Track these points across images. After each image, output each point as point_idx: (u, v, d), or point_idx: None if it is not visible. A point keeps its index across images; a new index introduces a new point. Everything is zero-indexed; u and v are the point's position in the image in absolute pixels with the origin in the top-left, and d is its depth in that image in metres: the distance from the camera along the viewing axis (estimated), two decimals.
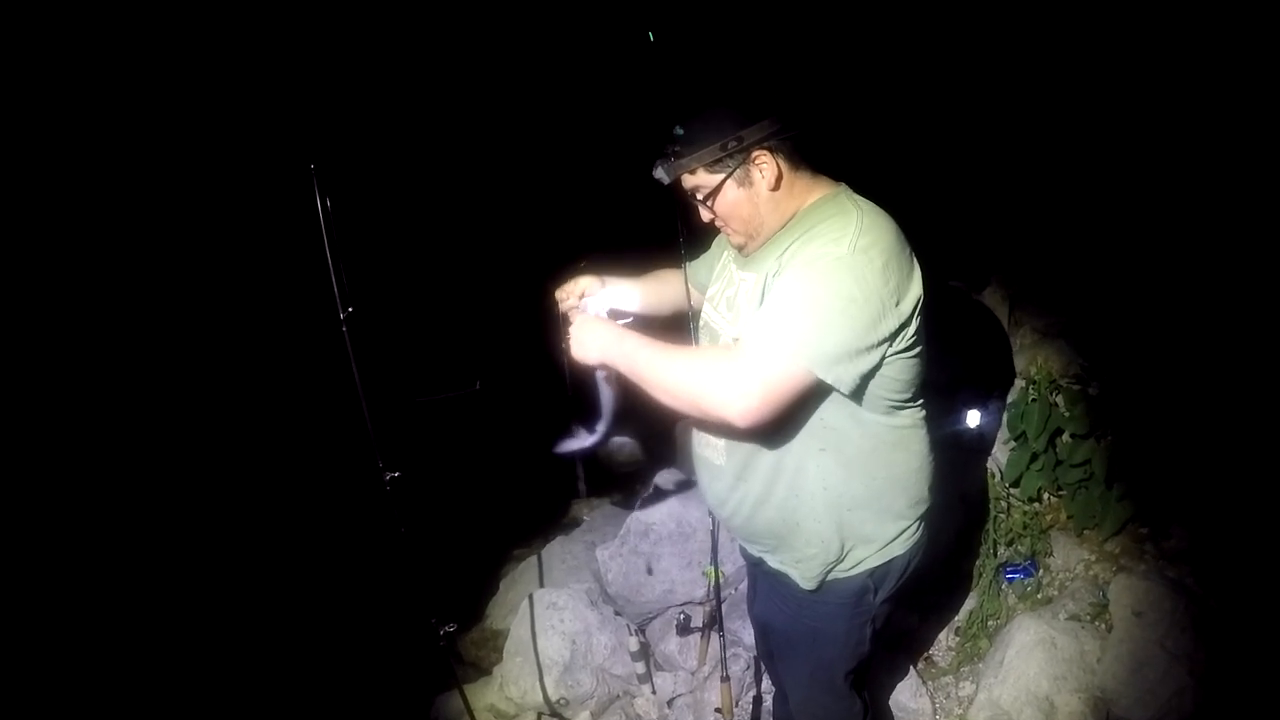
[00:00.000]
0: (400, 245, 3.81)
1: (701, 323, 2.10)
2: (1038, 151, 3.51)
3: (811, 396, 1.74)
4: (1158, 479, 3.07)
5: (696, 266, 2.22)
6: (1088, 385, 3.23)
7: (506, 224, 4.26)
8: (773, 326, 1.67)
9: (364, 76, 3.67)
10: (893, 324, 1.69)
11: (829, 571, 1.96)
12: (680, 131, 1.80)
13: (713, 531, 2.69)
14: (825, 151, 1.89)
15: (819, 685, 2.24)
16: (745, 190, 1.81)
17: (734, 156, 1.78)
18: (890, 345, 1.72)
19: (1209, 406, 2.99)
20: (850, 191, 1.87)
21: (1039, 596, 3.14)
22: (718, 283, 2.07)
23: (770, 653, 2.56)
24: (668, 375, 1.75)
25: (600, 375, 1.99)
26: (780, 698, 2.80)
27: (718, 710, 2.78)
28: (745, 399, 1.62)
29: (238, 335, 3.66)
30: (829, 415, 1.81)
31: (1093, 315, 3.43)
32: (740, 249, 1.95)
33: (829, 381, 1.67)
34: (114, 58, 3.24)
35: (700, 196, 1.85)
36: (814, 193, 1.86)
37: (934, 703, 3.03)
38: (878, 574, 1.98)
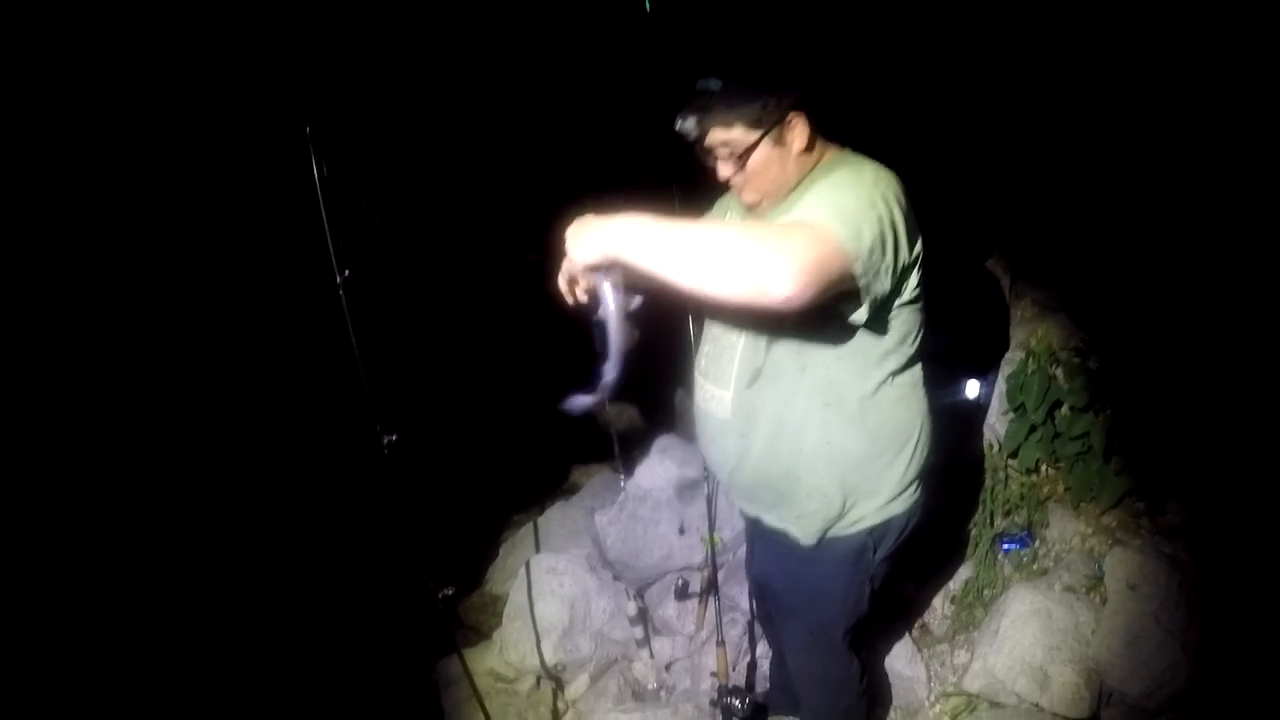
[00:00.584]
0: (399, 209, 3.79)
1: None
2: (1042, 123, 3.48)
3: (828, 327, 1.77)
4: (1155, 454, 3.07)
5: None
6: (1087, 359, 3.22)
7: (504, 191, 4.22)
8: (816, 210, 1.60)
9: (359, 38, 3.62)
10: (906, 255, 1.71)
11: (829, 528, 1.98)
12: (715, 86, 1.75)
13: (710, 497, 2.69)
14: (835, 120, 1.88)
15: (818, 645, 2.27)
16: (778, 150, 1.79)
17: (772, 115, 1.75)
18: (903, 280, 1.75)
19: (1208, 383, 2.99)
20: (852, 151, 1.90)
21: (1035, 567, 3.15)
22: None
23: (768, 615, 2.59)
24: (700, 247, 1.53)
25: (607, 303, 1.60)
26: (777, 661, 2.82)
27: (713, 674, 2.80)
28: (796, 272, 1.45)
29: (232, 299, 3.64)
30: (835, 370, 1.84)
31: (1094, 289, 3.42)
32: (752, 207, 1.92)
33: (860, 281, 1.61)
34: (103, 25, 3.21)
35: (730, 152, 1.80)
36: (826, 154, 1.87)
37: (929, 670, 3.05)
38: (877, 532, 2.01)
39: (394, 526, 2.08)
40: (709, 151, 1.83)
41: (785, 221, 1.63)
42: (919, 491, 2.05)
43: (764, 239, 1.54)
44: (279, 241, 3.29)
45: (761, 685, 3.06)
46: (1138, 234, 3.23)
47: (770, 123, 1.75)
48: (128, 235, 3.52)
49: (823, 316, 1.69)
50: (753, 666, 3.07)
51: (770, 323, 1.79)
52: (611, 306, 1.59)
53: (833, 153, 1.88)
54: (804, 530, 1.99)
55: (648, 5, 2.04)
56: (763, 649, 3.10)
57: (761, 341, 1.87)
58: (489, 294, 4.29)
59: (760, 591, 2.46)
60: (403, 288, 3.72)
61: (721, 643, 2.74)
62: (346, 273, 1.89)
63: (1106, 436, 3.09)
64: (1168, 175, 3.14)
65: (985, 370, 3.47)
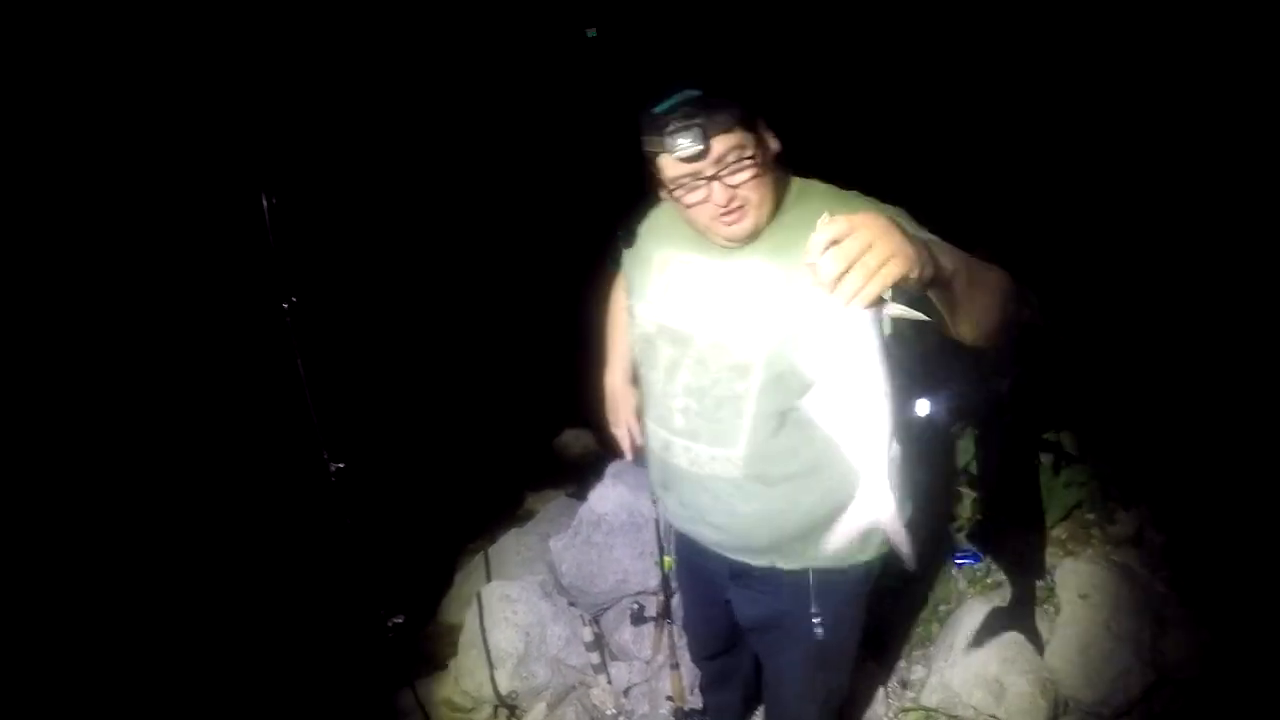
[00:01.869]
0: (349, 235, 3.74)
1: (651, 330, 1.88)
2: (988, 140, 3.54)
3: None
4: (1104, 467, 3.13)
5: (629, 271, 2.01)
6: (1036, 375, 3.28)
7: (455, 217, 4.20)
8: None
9: (305, 72, 3.59)
10: None
11: (855, 549, 1.86)
12: (694, 94, 1.57)
13: (658, 521, 2.56)
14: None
15: (831, 667, 2.22)
16: (770, 152, 1.66)
17: (753, 116, 1.61)
18: None
19: (1153, 397, 3.06)
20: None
21: (988, 581, 3.18)
22: (663, 283, 1.88)
23: (722, 650, 2.51)
24: (995, 278, 1.40)
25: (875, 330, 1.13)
26: (718, 688, 2.78)
27: (669, 698, 2.78)
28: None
29: (176, 325, 3.56)
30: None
31: (1042, 306, 3.47)
32: (743, 239, 1.72)
33: None
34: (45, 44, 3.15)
35: (743, 157, 1.59)
36: (788, 179, 1.76)
37: (886, 686, 3.07)
38: (885, 550, 1.91)
39: (342, 556, 2.04)
40: (707, 175, 1.60)
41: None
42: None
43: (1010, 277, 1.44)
44: (224, 267, 3.24)
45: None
46: (1085, 251, 3.29)
47: (755, 123, 1.62)
48: (66, 263, 3.44)
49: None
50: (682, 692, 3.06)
51: (794, 359, 1.63)
52: (879, 330, 1.14)
53: (790, 177, 1.76)
54: (838, 562, 1.87)
55: (591, 33, 1.92)
56: (690, 672, 3.07)
57: (788, 382, 1.68)
58: (443, 320, 4.26)
59: (724, 635, 2.36)
60: (352, 314, 3.67)
61: (676, 665, 2.71)
62: (294, 299, 1.85)
63: (1055, 451, 3.14)
64: (1110, 198, 3.21)
65: (936, 387, 3.51)
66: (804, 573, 1.92)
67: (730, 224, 1.67)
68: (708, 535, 1.99)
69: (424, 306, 4.22)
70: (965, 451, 3.35)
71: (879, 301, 1.09)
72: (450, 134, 3.77)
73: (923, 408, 3.36)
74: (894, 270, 1.07)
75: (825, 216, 1.10)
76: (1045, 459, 3.16)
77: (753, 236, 1.71)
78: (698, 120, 1.53)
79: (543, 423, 2.33)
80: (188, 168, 3.24)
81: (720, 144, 1.56)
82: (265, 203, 1.80)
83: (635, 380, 2.12)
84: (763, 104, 1.64)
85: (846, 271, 1.06)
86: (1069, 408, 3.17)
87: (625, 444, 2.25)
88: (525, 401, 2.62)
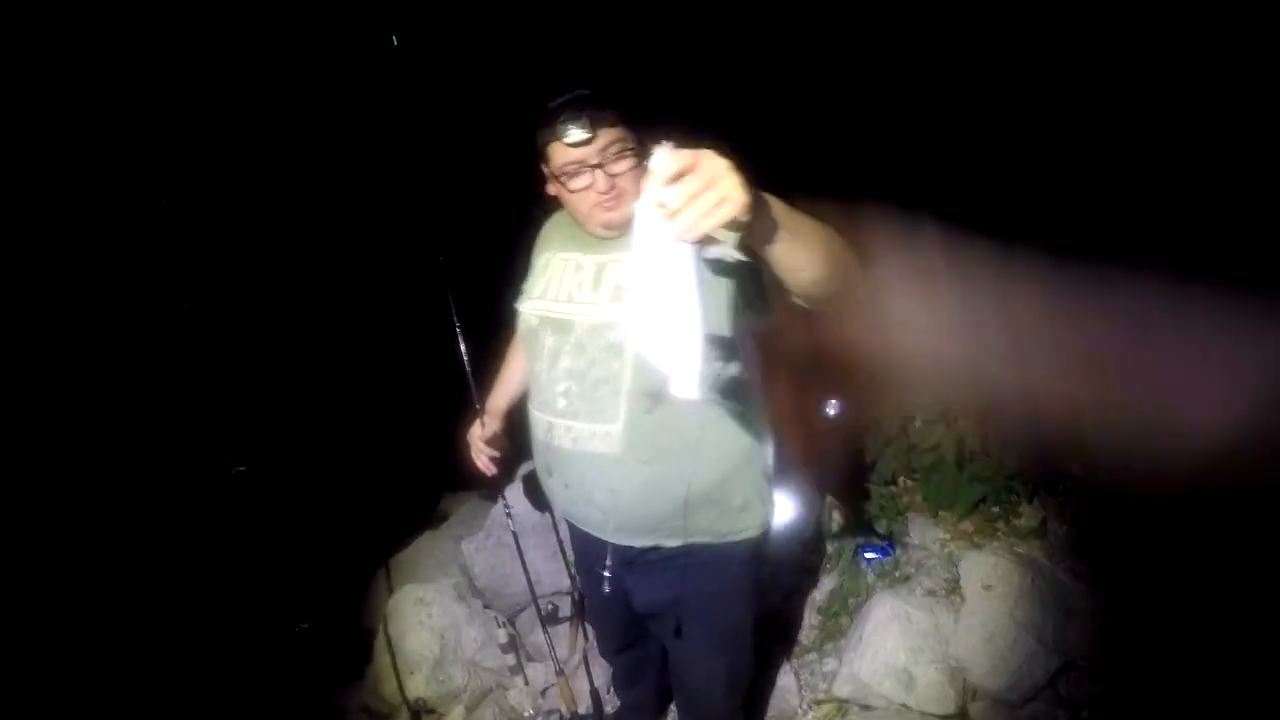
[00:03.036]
0: (248, 239, 3.64)
1: (535, 322, 2.01)
2: (884, 136, 3.60)
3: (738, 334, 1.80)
4: (1006, 461, 3.22)
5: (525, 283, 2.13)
6: (938, 373, 3.36)
7: (362, 215, 4.12)
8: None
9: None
10: None
11: (738, 526, 2.02)
12: (585, 92, 1.78)
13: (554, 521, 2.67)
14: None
15: (729, 649, 2.30)
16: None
17: (636, 115, 1.78)
18: None
19: (1053, 392, 3.14)
20: None
21: (897, 574, 3.25)
22: (546, 278, 2.02)
23: (627, 644, 2.58)
24: (821, 231, 1.44)
25: (699, 257, 1.24)
26: (627, 683, 2.86)
27: (555, 710, 2.84)
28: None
29: (73, 326, 3.41)
30: (737, 374, 1.87)
31: (947, 304, 3.55)
32: (617, 226, 1.84)
33: None
34: None
35: (625, 148, 1.77)
36: None
37: (799, 679, 3.11)
38: (765, 529, 2.09)
39: (244, 561, 1.99)
40: (591, 163, 1.77)
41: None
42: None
43: (846, 239, 1.52)
44: (122, 270, 3.13)
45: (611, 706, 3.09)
46: (991, 252, 3.36)
47: (638, 124, 1.78)
48: None
49: (739, 327, 1.78)
50: (595, 693, 3.08)
51: None
52: (700, 262, 1.24)
53: None
54: (717, 537, 2.01)
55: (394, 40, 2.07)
56: (601, 676, 3.12)
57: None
58: (352, 319, 4.18)
59: (628, 625, 2.41)
60: (256, 315, 3.57)
61: (560, 672, 2.79)
62: (188, 305, 1.80)
63: (958, 447, 3.23)
64: (1035, 198, 3.29)
65: (840, 385, 3.57)
66: (687, 552, 2.02)
67: (608, 210, 1.82)
68: (592, 516, 2.05)
69: (332, 306, 4.13)
70: (872, 448, 3.43)
71: (706, 238, 1.17)
72: (350, 129, 3.69)
73: (830, 405, 3.45)
74: (727, 210, 1.12)
75: (668, 147, 1.15)
76: (950, 455, 3.24)
77: (627, 226, 1.73)
78: (586, 112, 1.73)
79: (455, 424, 2.31)
80: (85, 172, 3.12)
81: (605, 135, 1.75)
82: (162, 205, 1.76)
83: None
84: (648, 106, 1.80)
85: (685, 206, 1.12)
86: (970, 404, 3.24)
87: (483, 465, 2.34)
88: (437, 402, 2.59)
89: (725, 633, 2.25)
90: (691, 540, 2.01)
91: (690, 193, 1.11)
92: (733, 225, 1.17)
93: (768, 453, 2.06)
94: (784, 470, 2.14)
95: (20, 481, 3.19)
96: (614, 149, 1.77)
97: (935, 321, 3.15)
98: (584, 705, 2.98)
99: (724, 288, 1.72)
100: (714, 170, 1.13)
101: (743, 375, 1.89)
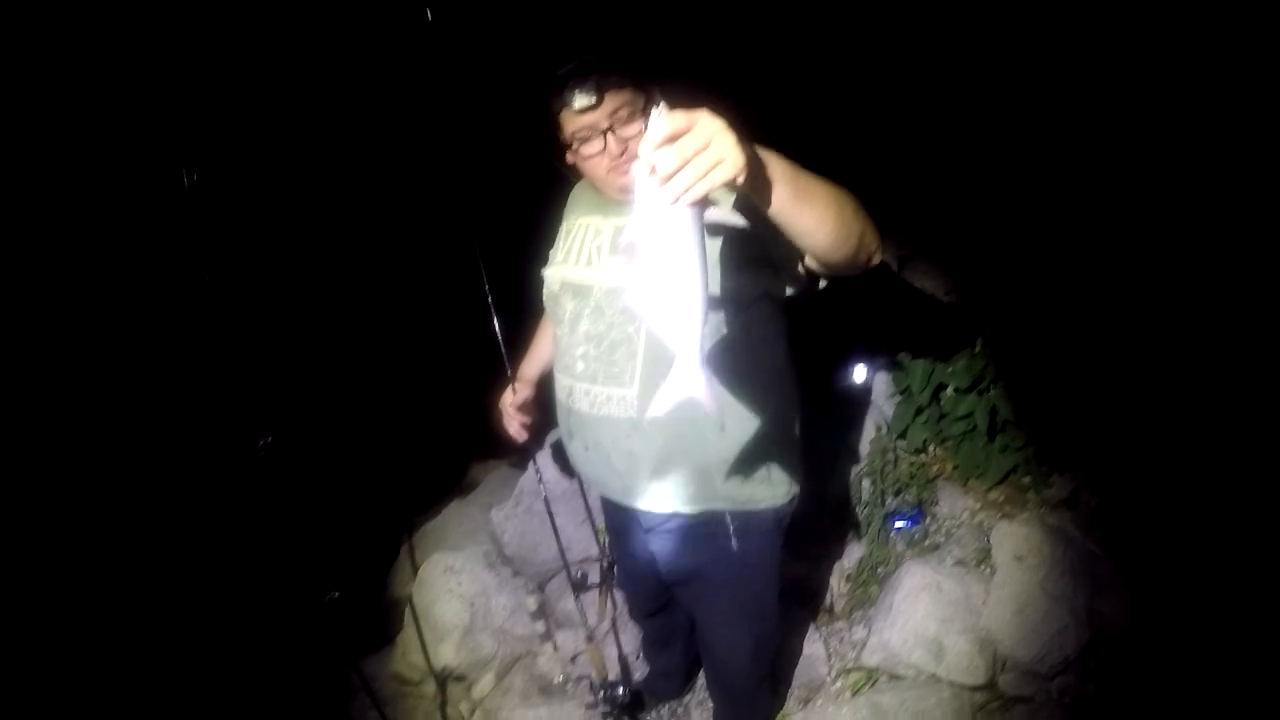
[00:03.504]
0: (277, 209, 3.63)
1: (556, 288, 2.01)
2: (934, 110, 3.54)
3: (757, 303, 1.81)
4: (1038, 431, 3.19)
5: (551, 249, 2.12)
6: (971, 342, 3.33)
7: (390, 183, 4.09)
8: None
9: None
10: None
11: (760, 495, 2.00)
12: (593, 58, 1.75)
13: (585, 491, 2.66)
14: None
15: (752, 618, 2.30)
16: None
17: (647, 78, 1.77)
18: None
19: (1087, 362, 3.11)
20: None
21: (926, 544, 3.23)
22: (568, 244, 2.02)
23: (659, 608, 2.62)
24: (833, 194, 1.41)
25: (698, 220, 1.21)
26: (658, 650, 2.93)
27: (586, 676, 2.86)
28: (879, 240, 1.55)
29: (98, 297, 3.41)
30: (755, 343, 1.86)
31: (977, 278, 3.52)
32: (625, 188, 1.74)
33: None
34: None
35: (631, 112, 1.76)
36: None
37: (828, 647, 3.11)
38: (794, 500, 2.09)
39: (271, 533, 2.00)
40: (601, 128, 1.77)
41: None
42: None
43: (861, 203, 1.49)
44: (147, 240, 3.13)
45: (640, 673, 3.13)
46: (1022, 227, 3.32)
47: (650, 87, 1.77)
48: None
49: (760, 284, 1.77)
50: (623, 660, 3.10)
51: None
52: (700, 225, 1.21)
53: None
54: (738, 505, 2.00)
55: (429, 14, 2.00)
56: (630, 642, 3.14)
57: None
58: (381, 287, 4.17)
59: (655, 590, 2.43)
60: (284, 283, 3.56)
61: (590, 639, 2.79)
62: (220, 270, 1.80)
63: (990, 416, 3.20)
64: (1056, 170, 3.23)
65: (872, 354, 3.55)
66: (709, 519, 2.02)
67: (623, 173, 1.79)
68: (611, 481, 2.06)
69: (363, 274, 4.12)
70: (903, 416, 3.40)
71: (705, 201, 1.15)
72: (382, 100, 3.67)
73: (860, 374, 3.42)
74: (724, 173, 1.11)
75: (663, 108, 1.13)
76: (982, 424, 3.21)
77: None
78: (592, 77, 1.72)
79: (486, 392, 2.31)
80: (110, 143, 3.11)
81: (614, 99, 1.74)
82: (187, 179, 1.75)
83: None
84: (658, 70, 1.79)
85: (679, 169, 1.09)
86: (1004, 374, 3.21)
87: (514, 431, 2.37)
88: (467, 370, 2.58)
89: (748, 601, 2.26)
90: (711, 507, 2.00)
91: (684, 155, 1.09)
92: (731, 187, 1.16)
93: (793, 421, 2.05)
94: (811, 439, 2.11)
95: (47, 451, 3.22)
96: (623, 112, 1.75)
97: None
98: (613, 672, 2.98)
99: (740, 249, 1.70)
100: (709, 131, 1.10)
101: (763, 341, 1.87)
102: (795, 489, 2.08)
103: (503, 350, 2.40)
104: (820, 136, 2.69)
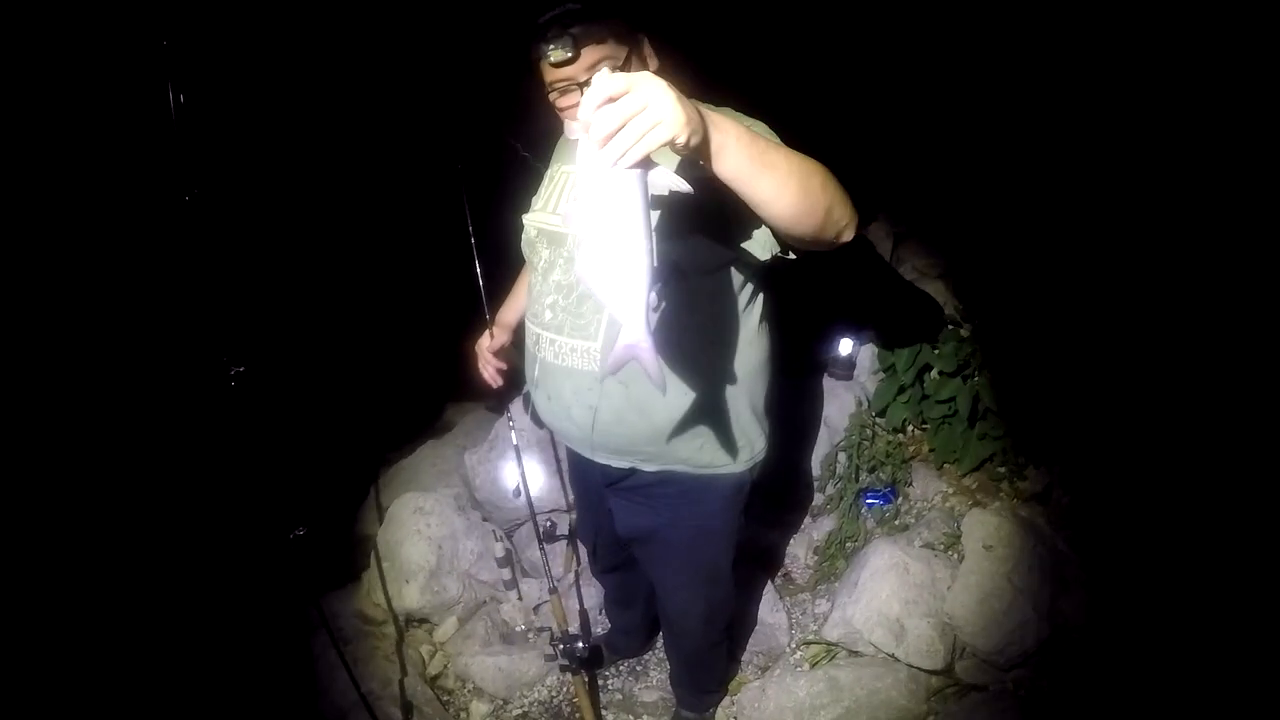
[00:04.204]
0: (262, 124, 3.52)
1: (533, 234, 1.99)
2: (928, 93, 3.50)
3: (725, 264, 1.77)
4: (1018, 422, 3.18)
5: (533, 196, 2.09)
6: (960, 327, 3.31)
7: (372, 121, 3.99)
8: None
9: None
10: None
11: (719, 460, 1.99)
12: (576, 7, 1.72)
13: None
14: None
15: (705, 582, 2.32)
16: (645, 66, 1.78)
17: (631, 33, 1.76)
18: None
19: (1072, 358, 3.10)
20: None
21: (896, 523, 3.24)
22: (549, 191, 2.01)
23: (614, 566, 2.64)
24: (796, 164, 1.35)
25: (645, 188, 1.18)
26: (620, 608, 2.95)
27: (546, 627, 2.84)
28: (854, 217, 1.47)
29: (66, 212, 3.31)
30: (722, 305, 1.84)
31: (972, 262, 3.50)
32: None
33: None
34: None
35: (610, 68, 1.63)
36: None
37: (790, 618, 3.13)
38: (755, 468, 2.08)
39: (241, 465, 1.96)
40: (577, 81, 1.75)
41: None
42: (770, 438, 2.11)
43: (833, 177, 1.42)
44: (119, 154, 3.04)
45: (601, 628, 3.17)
46: (1015, 213, 3.29)
47: (633, 39, 1.76)
48: None
49: (725, 253, 1.71)
50: (584, 614, 3.14)
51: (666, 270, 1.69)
52: (644, 189, 1.18)
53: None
54: (696, 468, 2.00)
55: None
56: (593, 596, 3.18)
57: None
58: (361, 220, 4.09)
59: (623, 543, 2.39)
60: (261, 207, 3.47)
61: (554, 590, 2.78)
62: (195, 190, 1.74)
63: (972, 402, 3.19)
64: (1044, 158, 3.20)
65: (859, 330, 3.53)
66: (666, 479, 2.02)
67: None
68: (571, 432, 2.05)
69: (345, 207, 4.04)
70: (884, 394, 3.39)
71: (647, 163, 1.14)
72: (367, 33, 3.57)
73: (845, 347, 3.40)
74: (661, 134, 1.10)
75: (605, 71, 1.13)
76: (963, 409, 3.20)
77: None
78: (571, 30, 1.69)
79: (465, 333, 2.28)
80: (93, 53, 3.01)
81: (591, 53, 1.71)
82: (172, 96, 1.69)
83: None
84: (645, 23, 1.78)
85: (618, 130, 1.09)
86: (991, 362, 3.20)
87: (489, 376, 2.40)
88: (447, 311, 2.54)
89: (702, 565, 2.27)
90: (669, 468, 2.01)
91: (623, 116, 1.08)
92: (675, 149, 1.15)
93: (760, 390, 2.03)
94: (791, 407, 2.10)
95: (19, 373, 3.15)
96: (602, 66, 1.61)
97: None
98: (574, 625, 3.00)
99: (701, 215, 1.62)
100: (647, 92, 1.09)
101: (728, 308, 1.84)
102: (758, 457, 2.07)
103: (482, 295, 2.40)
104: (814, 114, 2.66)
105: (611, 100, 1.09)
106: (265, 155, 3.57)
